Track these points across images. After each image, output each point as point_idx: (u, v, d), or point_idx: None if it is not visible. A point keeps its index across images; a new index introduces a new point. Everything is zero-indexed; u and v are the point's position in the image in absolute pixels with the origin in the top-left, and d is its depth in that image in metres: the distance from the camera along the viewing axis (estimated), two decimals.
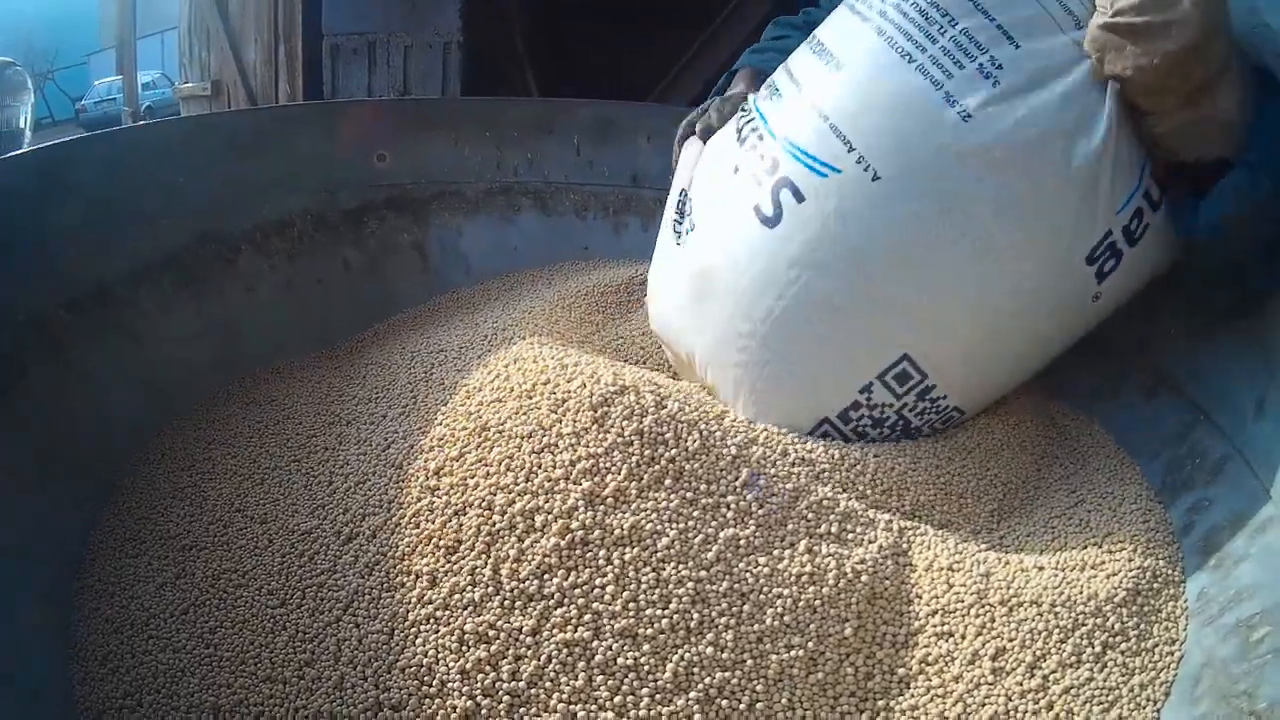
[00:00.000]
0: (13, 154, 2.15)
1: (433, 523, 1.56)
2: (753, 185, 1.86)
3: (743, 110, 2.02)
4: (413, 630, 1.43)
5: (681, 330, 2.01)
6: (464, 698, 1.35)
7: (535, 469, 1.59)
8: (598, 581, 1.45)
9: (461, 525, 1.54)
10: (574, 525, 1.51)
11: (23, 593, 1.54)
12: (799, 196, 1.79)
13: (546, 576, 1.46)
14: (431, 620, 1.44)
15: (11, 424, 1.75)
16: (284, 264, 2.60)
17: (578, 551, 1.48)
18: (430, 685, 1.38)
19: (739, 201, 1.88)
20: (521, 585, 1.45)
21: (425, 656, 1.40)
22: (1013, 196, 1.71)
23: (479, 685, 1.37)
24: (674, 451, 1.63)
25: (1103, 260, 1.76)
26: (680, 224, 2.05)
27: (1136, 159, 1.73)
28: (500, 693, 1.36)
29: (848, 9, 1.87)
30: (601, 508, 1.54)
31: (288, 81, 5.48)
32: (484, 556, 1.50)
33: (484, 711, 1.35)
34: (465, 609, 1.44)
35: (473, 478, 1.61)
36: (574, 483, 1.57)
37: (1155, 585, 1.57)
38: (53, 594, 1.59)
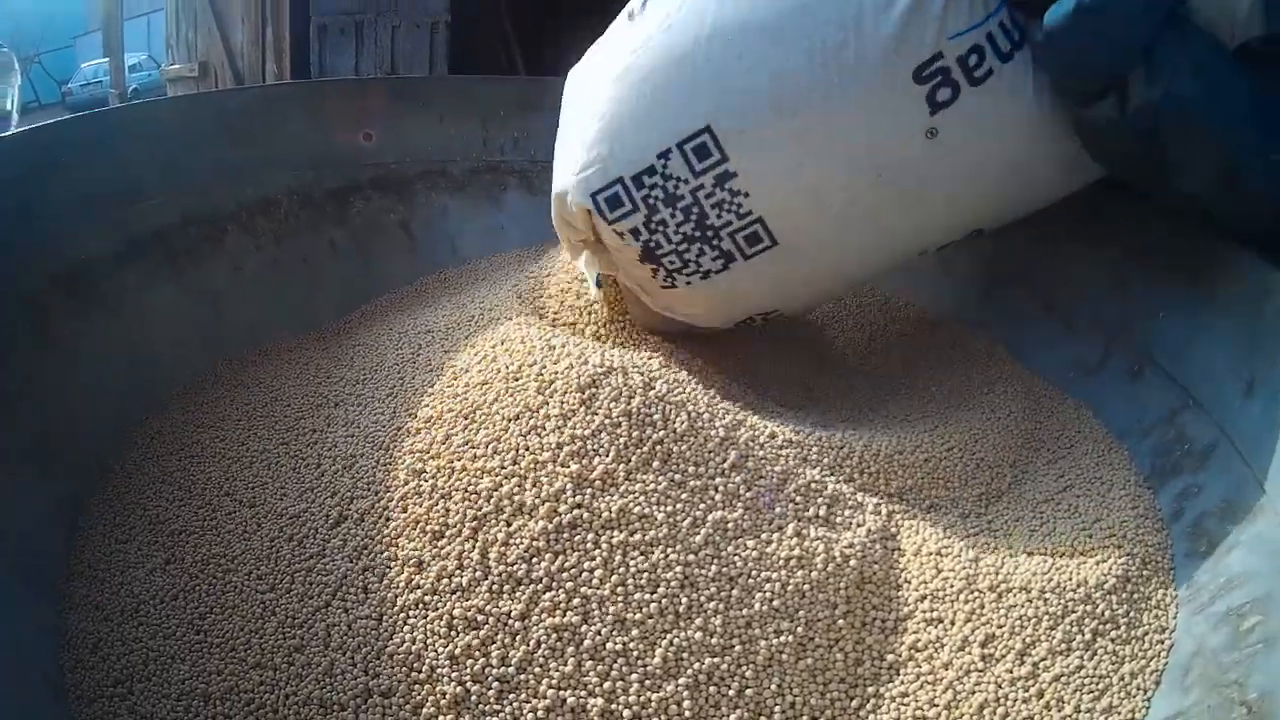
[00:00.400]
0: (1, 136, 2.14)
1: (420, 506, 1.56)
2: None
3: None
4: (401, 615, 1.43)
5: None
6: (453, 684, 1.35)
7: (522, 451, 1.59)
8: (586, 565, 1.45)
9: (449, 509, 1.54)
10: (562, 509, 1.50)
11: (9, 575, 1.53)
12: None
13: (534, 560, 1.45)
14: (420, 605, 1.44)
15: None
16: (270, 243, 2.60)
17: (565, 535, 1.48)
18: (420, 671, 1.37)
19: (619, 21, 2.03)
20: (509, 569, 1.45)
21: (414, 643, 1.40)
22: None
23: (468, 671, 1.36)
24: (662, 433, 1.62)
25: (934, 84, 1.76)
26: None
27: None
28: (489, 678, 1.35)
29: None
30: (589, 490, 1.54)
31: (275, 62, 5.47)
32: (471, 541, 1.49)
33: (473, 697, 1.34)
34: (453, 594, 1.44)
35: (459, 460, 1.61)
36: (561, 465, 1.56)
37: (1145, 572, 1.56)
38: (38, 576, 1.58)
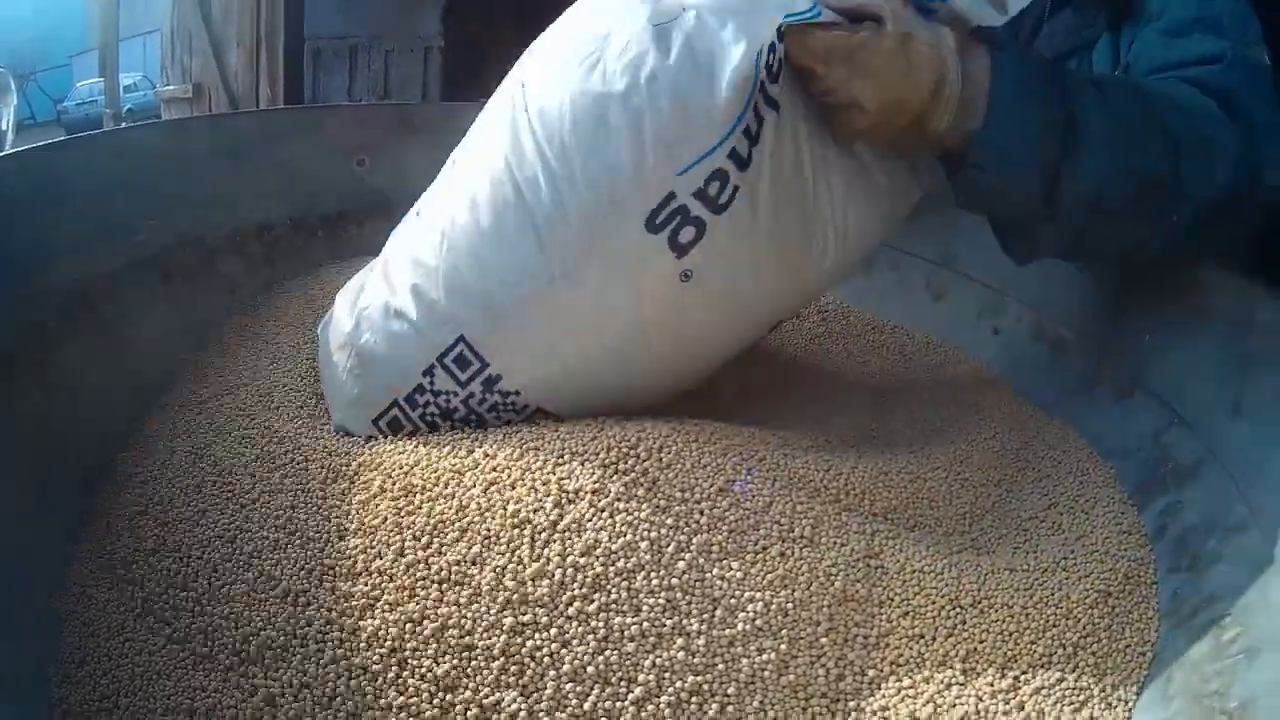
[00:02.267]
0: None
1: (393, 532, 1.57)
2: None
3: None
4: (375, 643, 1.43)
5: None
6: (435, 709, 1.35)
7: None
8: (569, 590, 1.46)
9: (414, 534, 1.56)
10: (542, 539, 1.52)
11: (8, 594, 1.54)
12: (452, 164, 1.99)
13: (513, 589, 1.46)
14: (396, 637, 1.43)
15: None
16: (263, 268, 2.61)
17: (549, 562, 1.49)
18: (400, 696, 1.38)
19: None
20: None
21: (393, 671, 1.40)
22: (559, 157, 1.71)
23: (447, 700, 1.37)
24: (647, 463, 1.63)
25: (673, 228, 1.68)
26: None
27: (713, 119, 1.66)
28: (468, 705, 1.36)
29: None
30: (571, 514, 1.55)
31: (269, 85, 5.49)
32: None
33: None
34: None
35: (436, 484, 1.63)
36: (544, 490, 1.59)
37: (1127, 587, 1.58)
38: (33, 594, 1.59)
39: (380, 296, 1.90)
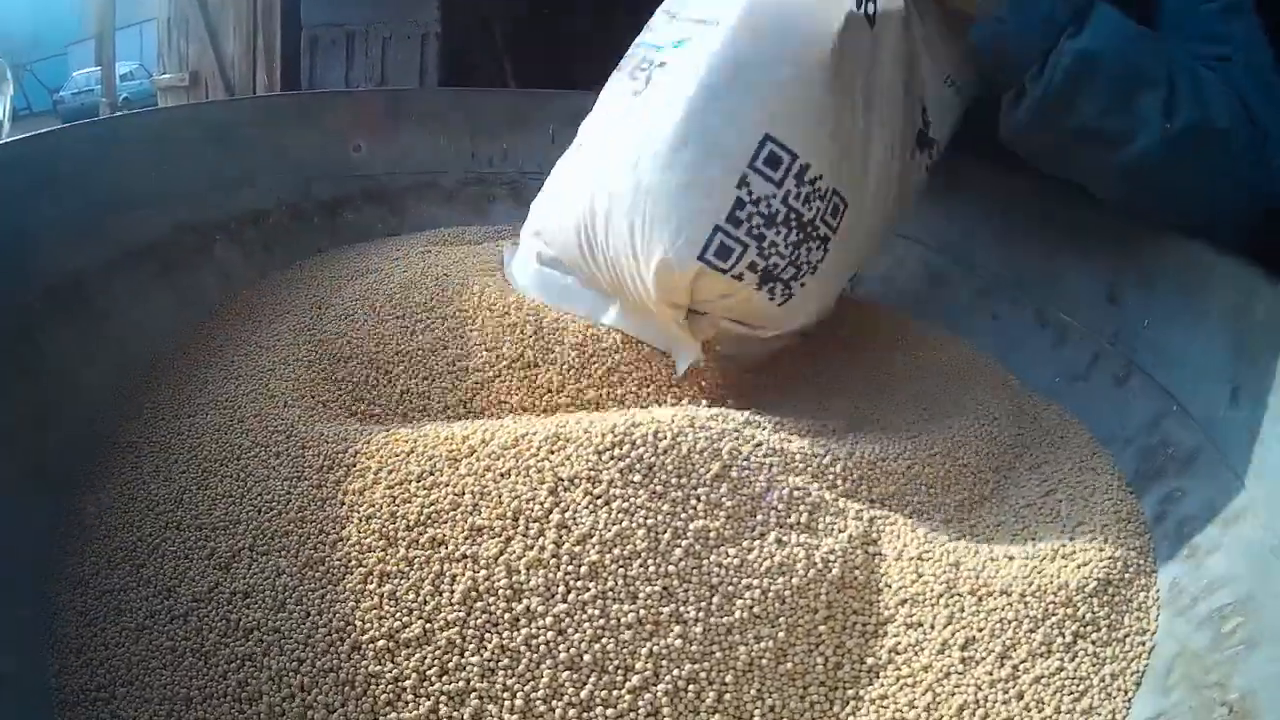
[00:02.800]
0: None
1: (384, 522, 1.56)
2: (629, 83, 2.07)
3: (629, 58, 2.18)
4: (371, 631, 1.42)
5: (576, 233, 2.09)
6: (427, 699, 1.34)
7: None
8: (563, 577, 1.45)
9: (409, 523, 1.55)
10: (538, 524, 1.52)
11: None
12: (664, 66, 1.98)
13: (512, 577, 1.46)
14: (391, 624, 1.42)
15: None
16: (260, 254, 2.60)
17: (546, 550, 1.48)
18: (392, 688, 1.36)
19: (618, 97, 2.11)
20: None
21: (383, 660, 1.38)
22: None
23: (443, 687, 1.36)
24: (642, 449, 1.63)
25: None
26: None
27: None
28: (467, 694, 1.35)
29: None
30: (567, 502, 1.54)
31: (266, 72, 5.49)
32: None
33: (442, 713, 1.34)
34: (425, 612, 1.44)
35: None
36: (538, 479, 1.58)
37: (1127, 575, 1.57)
38: (24, 582, 1.59)
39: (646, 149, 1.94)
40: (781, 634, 1.43)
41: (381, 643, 1.39)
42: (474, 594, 1.43)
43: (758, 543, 1.54)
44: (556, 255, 2.17)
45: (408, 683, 1.35)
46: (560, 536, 1.49)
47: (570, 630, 1.39)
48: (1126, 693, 1.42)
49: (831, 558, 1.53)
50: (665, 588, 1.45)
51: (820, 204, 1.91)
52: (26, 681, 1.43)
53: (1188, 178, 1.86)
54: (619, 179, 1.97)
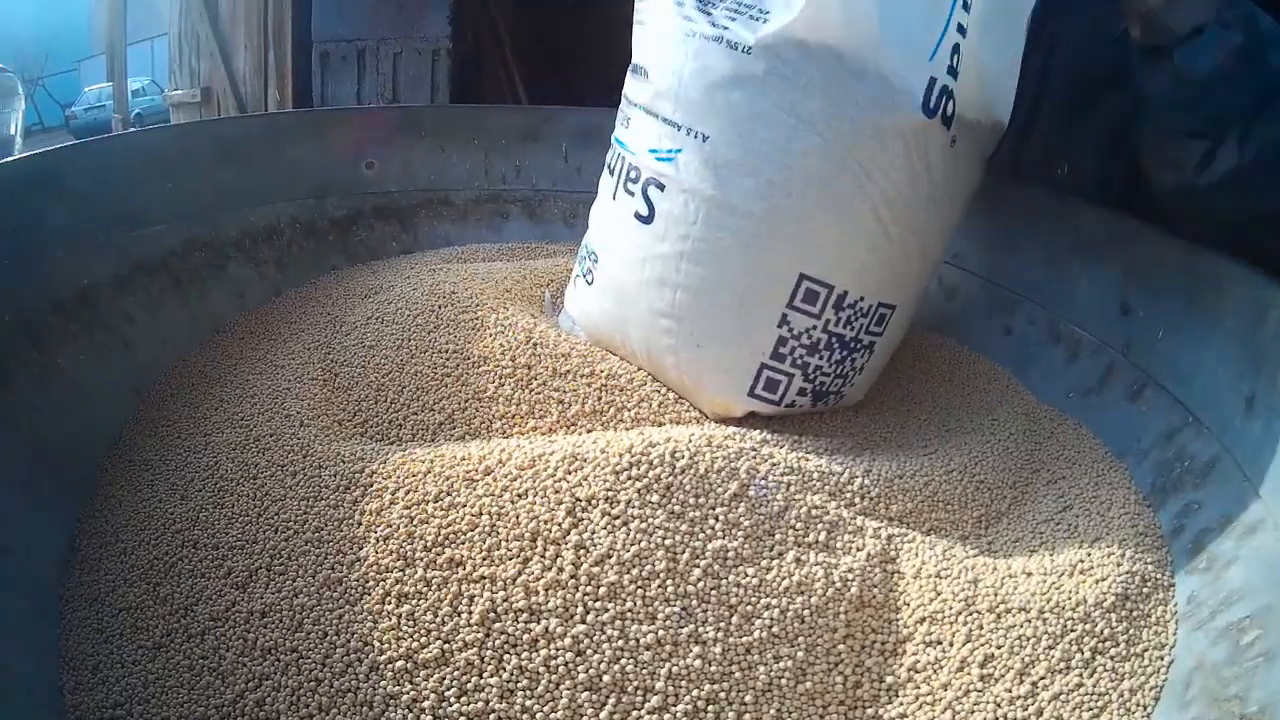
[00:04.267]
0: (4, 160, 2.14)
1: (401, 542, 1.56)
2: (628, 199, 2.02)
3: (610, 153, 2.18)
4: (389, 651, 1.42)
5: (612, 336, 2.12)
6: (447, 717, 1.34)
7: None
8: (582, 598, 1.45)
9: (425, 539, 1.55)
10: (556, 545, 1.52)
11: (9, 593, 1.54)
12: (660, 186, 1.94)
13: (531, 597, 1.46)
14: (410, 647, 1.42)
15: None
16: (272, 271, 2.61)
17: (564, 572, 1.48)
18: (411, 711, 1.36)
19: (623, 216, 2.05)
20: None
21: (403, 683, 1.38)
22: (818, 86, 1.80)
23: (462, 708, 1.36)
24: (659, 469, 1.63)
25: (940, 104, 1.81)
26: (589, 271, 2.19)
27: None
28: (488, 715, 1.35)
29: (638, 25, 2.09)
30: (586, 523, 1.54)
31: (277, 88, 5.50)
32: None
33: None
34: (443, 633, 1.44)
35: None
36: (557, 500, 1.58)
37: (1144, 590, 1.57)
38: (38, 596, 1.59)
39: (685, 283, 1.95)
40: (801, 653, 1.43)
41: (400, 663, 1.39)
42: (492, 615, 1.43)
43: (776, 562, 1.54)
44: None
45: (426, 704, 1.35)
46: (578, 557, 1.49)
47: (589, 651, 1.39)
48: (1146, 708, 1.41)
49: (850, 576, 1.53)
50: (684, 608, 1.45)
51: (864, 320, 1.94)
52: (35, 695, 1.44)
53: None
54: (647, 317, 2.01)
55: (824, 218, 1.84)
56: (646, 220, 1.98)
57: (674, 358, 1.97)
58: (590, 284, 2.18)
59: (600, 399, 1.98)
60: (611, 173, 2.13)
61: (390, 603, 1.46)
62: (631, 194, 2.02)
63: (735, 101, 1.83)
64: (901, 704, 1.42)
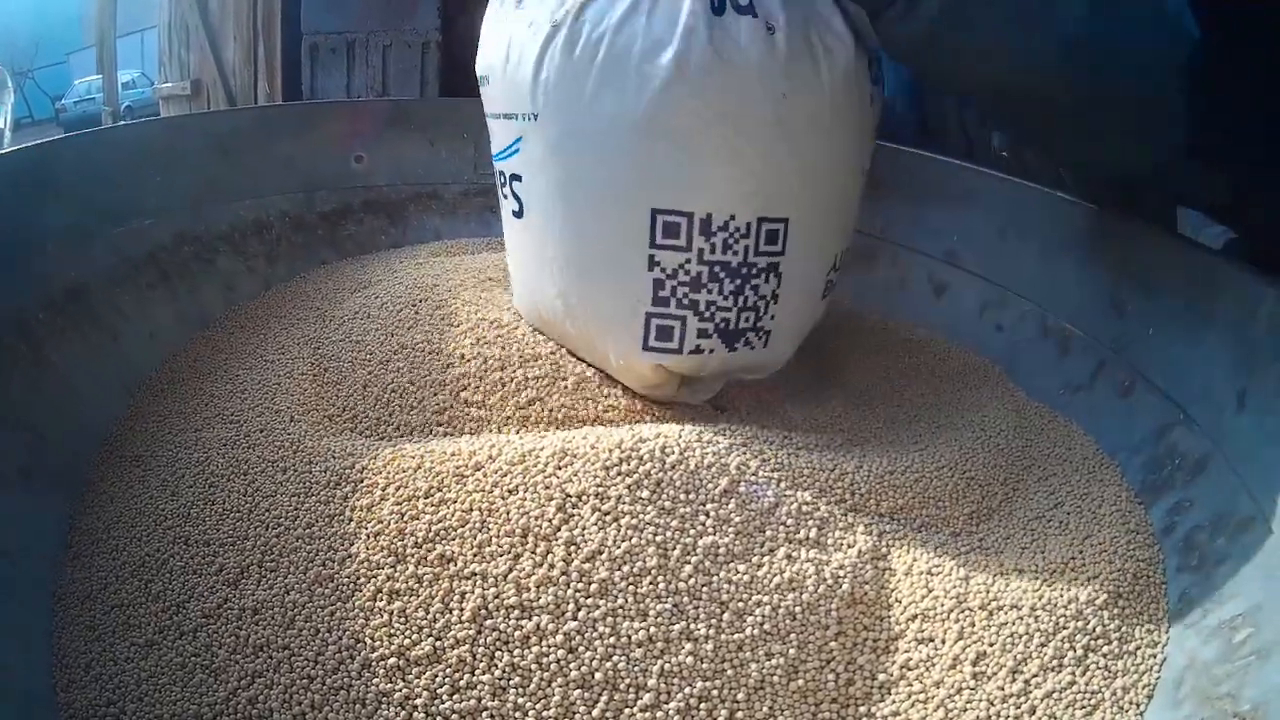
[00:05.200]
0: None
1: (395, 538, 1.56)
2: (505, 202, 2.08)
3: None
4: (379, 654, 1.42)
5: (550, 332, 2.14)
6: (437, 718, 1.34)
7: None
8: (573, 594, 1.45)
9: (417, 535, 1.55)
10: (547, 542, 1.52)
11: (6, 594, 1.53)
12: (518, 178, 1.97)
13: (522, 594, 1.46)
14: (401, 645, 1.42)
15: None
16: (262, 265, 2.60)
17: (555, 568, 1.48)
18: (404, 709, 1.36)
19: (507, 219, 2.12)
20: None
21: (394, 682, 1.38)
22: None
23: (453, 706, 1.36)
24: (649, 465, 1.63)
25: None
26: (510, 282, 2.26)
27: None
28: (480, 713, 1.35)
29: (481, 37, 2.10)
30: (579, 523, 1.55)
31: (266, 81, 5.50)
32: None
33: None
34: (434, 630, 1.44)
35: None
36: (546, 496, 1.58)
37: (1136, 588, 1.57)
38: (31, 594, 1.58)
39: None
40: (793, 650, 1.43)
41: (392, 660, 1.39)
42: (484, 611, 1.43)
43: (767, 558, 1.54)
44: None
45: (419, 701, 1.35)
46: (569, 553, 1.49)
47: (581, 648, 1.39)
48: (1138, 706, 1.41)
49: (841, 573, 1.53)
50: (675, 605, 1.45)
51: (747, 241, 1.85)
52: (40, 687, 1.44)
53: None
54: (551, 303, 2.02)
55: (656, 148, 1.80)
56: (519, 214, 2.02)
57: (582, 335, 1.99)
58: (514, 294, 2.22)
59: (573, 398, 1.99)
60: (500, 189, 2.14)
61: (382, 599, 1.46)
62: (506, 196, 2.06)
63: (551, 74, 1.83)
64: (894, 701, 1.42)
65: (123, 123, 5.49)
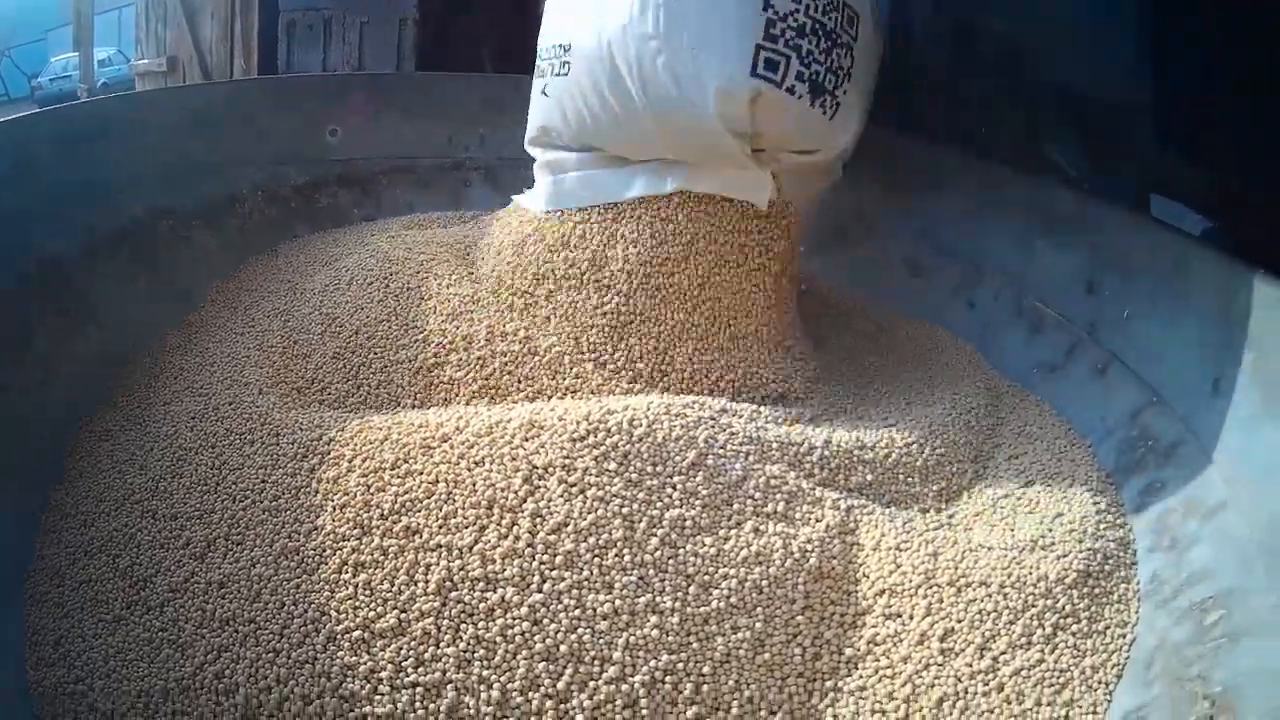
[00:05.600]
0: None
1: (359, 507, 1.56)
2: None
3: None
4: (344, 625, 1.41)
5: (596, 108, 2.15)
6: (402, 690, 1.34)
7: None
8: (539, 566, 1.44)
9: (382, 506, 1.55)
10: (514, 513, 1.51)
11: None
12: None
13: (487, 566, 1.45)
14: (366, 618, 1.42)
15: None
16: (235, 239, 2.59)
17: (521, 540, 1.48)
18: (368, 682, 1.35)
19: None
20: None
21: (358, 654, 1.37)
22: None
23: (418, 678, 1.35)
24: (616, 437, 1.62)
25: None
26: (559, 67, 2.23)
27: None
28: (442, 684, 1.34)
29: None
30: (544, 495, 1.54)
31: (243, 57, 5.48)
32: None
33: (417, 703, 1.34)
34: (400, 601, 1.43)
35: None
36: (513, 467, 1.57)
37: (1106, 567, 1.56)
38: (3, 574, 1.58)
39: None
40: (759, 624, 1.42)
41: (357, 633, 1.38)
42: (449, 584, 1.42)
43: (734, 532, 1.53)
44: (576, 142, 2.24)
45: (384, 674, 1.34)
46: (535, 525, 1.48)
47: (546, 620, 1.39)
48: (1107, 685, 1.41)
49: (809, 547, 1.53)
50: (641, 577, 1.44)
51: (837, 14, 2.01)
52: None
53: None
54: (637, 44, 2.03)
55: None
56: None
57: (672, 72, 2.01)
58: (564, 75, 2.20)
59: (541, 373, 1.98)
60: None
61: (347, 572, 1.46)
62: None
63: None
64: (861, 676, 1.41)
65: (97, 98, 5.47)
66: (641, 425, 1.64)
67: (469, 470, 1.56)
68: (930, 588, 1.51)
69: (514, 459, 1.57)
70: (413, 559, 1.46)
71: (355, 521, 1.52)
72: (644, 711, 1.33)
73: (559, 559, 1.44)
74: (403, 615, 1.40)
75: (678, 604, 1.42)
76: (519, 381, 1.96)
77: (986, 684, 1.39)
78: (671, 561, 1.47)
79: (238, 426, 1.79)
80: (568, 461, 1.57)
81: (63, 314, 2.01)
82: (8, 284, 1.91)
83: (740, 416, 1.81)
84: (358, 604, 1.41)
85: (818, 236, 2.51)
